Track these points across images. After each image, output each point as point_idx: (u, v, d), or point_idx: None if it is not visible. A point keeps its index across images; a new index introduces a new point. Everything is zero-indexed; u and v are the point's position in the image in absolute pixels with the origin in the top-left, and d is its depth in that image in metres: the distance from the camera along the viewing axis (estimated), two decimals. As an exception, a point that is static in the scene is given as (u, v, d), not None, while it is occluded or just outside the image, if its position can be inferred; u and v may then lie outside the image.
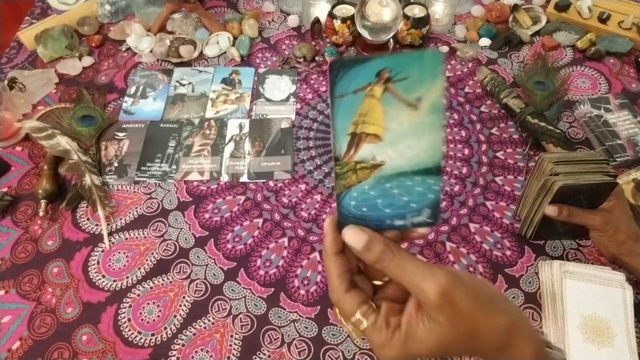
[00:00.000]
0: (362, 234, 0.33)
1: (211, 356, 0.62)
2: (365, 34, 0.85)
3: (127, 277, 0.68)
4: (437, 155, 0.32)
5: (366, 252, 0.33)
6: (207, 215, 0.74)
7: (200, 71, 0.93)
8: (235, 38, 0.97)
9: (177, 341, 0.63)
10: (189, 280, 0.68)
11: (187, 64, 0.94)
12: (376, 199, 0.34)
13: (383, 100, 0.31)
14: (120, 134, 0.84)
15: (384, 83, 0.30)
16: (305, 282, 0.67)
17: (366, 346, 0.62)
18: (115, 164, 0.80)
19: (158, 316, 0.65)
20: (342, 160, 0.33)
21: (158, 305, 0.66)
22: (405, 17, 0.89)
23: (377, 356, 0.34)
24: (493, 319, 0.31)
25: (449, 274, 0.30)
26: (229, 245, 0.71)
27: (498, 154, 0.79)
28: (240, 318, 0.64)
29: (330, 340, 0.62)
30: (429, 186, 0.33)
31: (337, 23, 0.90)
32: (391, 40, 0.91)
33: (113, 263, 0.70)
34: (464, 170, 0.78)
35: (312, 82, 0.91)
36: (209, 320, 0.64)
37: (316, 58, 0.94)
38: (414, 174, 0.33)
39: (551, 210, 0.60)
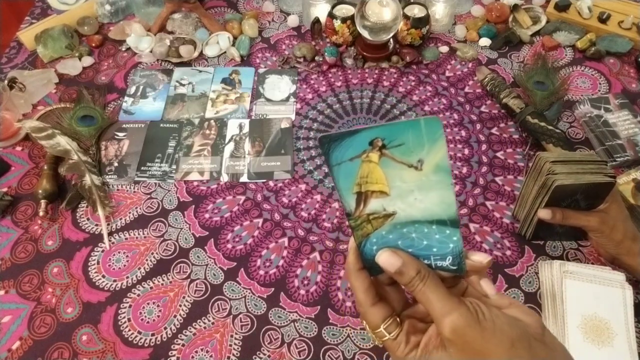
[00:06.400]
0: (396, 257, 0.34)
1: (211, 356, 0.62)
2: (365, 34, 0.85)
3: (127, 277, 0.68)
4: (450, 209, 0.33)
5: (398, 275, 0.34)
6: (207, 215, 0.74)
7: (200, 71, 0.93)
8: (235, 38, 0.97)
9: (177, 341, 0.63)
10: (189, 280, 0.68)
11: (187, 64, 0.94)
12: (396, 241, 0.35)
13: (381, 163, 0.32)
14: (120, 134, 0.84)
15: (378, 150, 0.31)
16: (305, 282, 0.67)
17: (366, 346, 0.62)
18: (115, 164, 0.80)
19: (158, 316, 0.65)
20: (354, 214, 0.34)
21: (158, 305, 0.66)
22: (405, 17, 0.89)
23: None
24: None
25: (466, 313, 0.32)
26: (229, 245, 0.71)
27: (498, 154, 0.79)
28: (240, 318, 0.64)
29: (330, 340, 0.62)
30: (447, 236, 0.34)
31: (337, 23, 0.90)
32: (391, 40, 0.91)
33: (113, 263, 0.70)
34: (464, 170, 0.78)
35: (312, 82, 0.91)
36: (209, 320, 0.64)
37: (316, 58, 0.94)
38: (429, 222, 0.34)
39: (544, 214, 0.60)
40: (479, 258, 0.35)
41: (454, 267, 0.35)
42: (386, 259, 0.34)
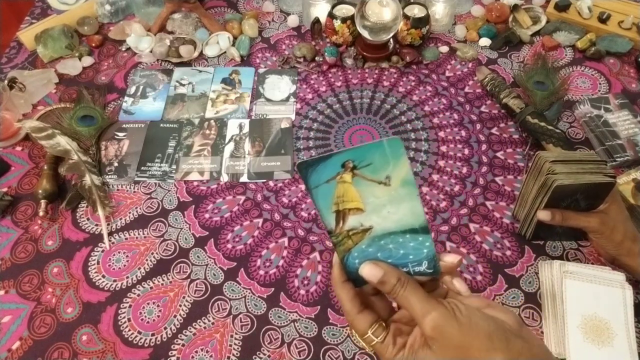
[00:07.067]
0: (377, 269, 0.37)
1: (211, 356, 0.62)
2: (365, 34, 0.85)
3: (127, 277, 0.68)
4: (419, 218, 0.36)
5: (381, 285, 0.37)
6: (207, 215, 0.74)
7: (200, 71, 0.93)
8: (235, 38, 0.97)
9: (177, 341, 0.63)
10: (189, 280, 0.68)
11: (187, 64, 0.94)
12: (376, 253, 0.38)
13: (354, 183, 0.35)
14: (120, 134, 0.84)
15: (350, 171, 0.35)
16: (305, 282, 0.67)
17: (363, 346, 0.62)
18: (115, 164, 0.80)
19: (158, 316, 0.65)
20: (335, 232, 0.37)
21: (158, 305, 0.66)
22: (405, 17, 0.89)
23: None
24: (488, 355, 0.34)
25: (443, 311, 0.35)
26: (229, 245, 0.71)
27: (498, 154, 0.79)
28: (240, 318, 0.64)
29: (330, 340, 0.62)
30: (420, 243, 0.37)
31: (337, 23, 0.90)
32: (391, 40, 0.91)
33: (113, 263, 0.70)
34: (464, 170, 0.78)
35: (312, 82, 0.91)
36: (209, 320, 0.64)
37: (316, 58, 0.94)
38: (403, 232, 0.37)
39: (544, 215, 0.60)
40: (450, 259, 0.38)
41: (430, 270, 0.38)
42: (369, 271, 0.37)
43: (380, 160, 0.34)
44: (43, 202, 0.73)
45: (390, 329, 0.39)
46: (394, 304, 0.42)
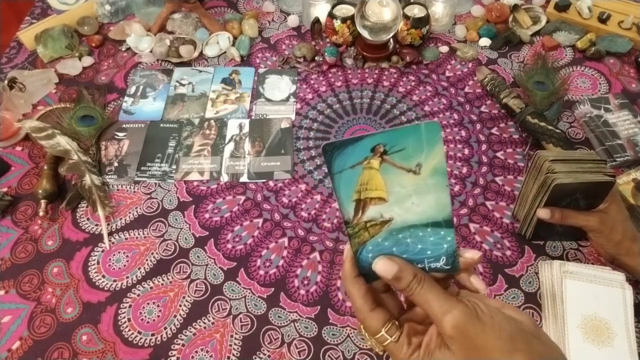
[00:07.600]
0: (392, 264, 0.35)
1: (211, 356, 0.62)
2: (365, 34, 0.85)
3: (127, 277, 0.68)
4: (444, 210, 0.34)
5: (395, 281, 0.35)
6: (207, 215, 0.74)
7: (200, 71, 0.93)
8: (235, 38, 0.97)
9: (177, 341, 0.63)
10: (189, 280, 0.68)
11: (187, 64, 0.94)
12: (391, 248, 0.36)
13: (382, 169, 0.33)
14: (120, 134, 0.84)
15: (379, 156, 0.32)
16: (305, 282, 0.67)
17: (366, 346, 0.62)
18: (115, 164, 0.80)
19: (158, 316, 0.65)
20: (352, 222, 0.35)
21: (158, 305, 0.66)
22: (405, 17, 0.89)
23: None
24: (510, 356, 0.32)
25: (465, 309, 0.33)
26: (229, 245, 0.71)
27: (498, 154, 0.79)
28: (240, 318, 0.64)
29: (330, 340, 0.62)
30: (442, 237, 0.35)
31: (337, 23, 0.90)
32: (391, 40, 0.91)
33: (113, 263, 0.70)
34: (464, 170, 0.78)
35: (312, 82, 0.91)
36: (209, 320, 0.64)
37: (316, 58, 0.94)
38: (424, 226, 0.34)
39: (543, 214, 0.60)
40: (470, 255, 0.36)
41: (448, 267, 0.36)
42: (383, 266, 0.35)
43: (414, 146, 0.32)
44: (43, 202, 0.73)
45: (404, 328, 0.37)
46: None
